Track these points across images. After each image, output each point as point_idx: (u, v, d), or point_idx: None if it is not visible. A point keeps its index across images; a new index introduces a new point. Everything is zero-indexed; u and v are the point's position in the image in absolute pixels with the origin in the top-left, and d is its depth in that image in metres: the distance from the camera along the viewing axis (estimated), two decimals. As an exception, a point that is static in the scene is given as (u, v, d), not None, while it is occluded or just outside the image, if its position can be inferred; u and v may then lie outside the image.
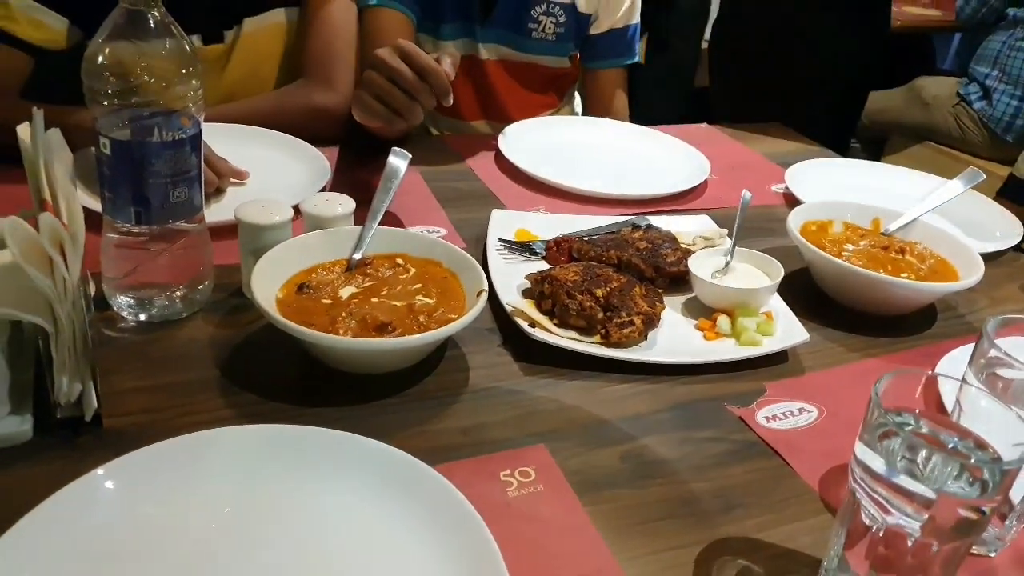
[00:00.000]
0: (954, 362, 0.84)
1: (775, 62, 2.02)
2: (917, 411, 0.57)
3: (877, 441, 0.54)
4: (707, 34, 2.43)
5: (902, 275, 0.94)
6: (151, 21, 0.68)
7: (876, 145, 3.04)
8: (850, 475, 0.56)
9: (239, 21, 1.28)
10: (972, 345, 0.87)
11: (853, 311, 0.95)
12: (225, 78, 1.29)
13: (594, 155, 1.37)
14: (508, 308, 0.85)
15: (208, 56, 1.27)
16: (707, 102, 2.22)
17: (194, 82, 0.71)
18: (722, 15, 2.24)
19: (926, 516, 0.51)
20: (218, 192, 1.05)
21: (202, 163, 0.76)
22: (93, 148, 0.72)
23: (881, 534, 0.54)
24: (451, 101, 0.99)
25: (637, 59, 1.61)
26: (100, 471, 0.57)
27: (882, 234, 1.05)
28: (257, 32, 1.30)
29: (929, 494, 0.51)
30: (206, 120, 0.76)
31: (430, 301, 0.80)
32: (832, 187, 1.30)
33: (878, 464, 0.53)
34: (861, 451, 0.55)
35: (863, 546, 0.56)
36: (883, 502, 0.53)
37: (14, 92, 1.15)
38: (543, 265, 0.96)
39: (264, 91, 1.31)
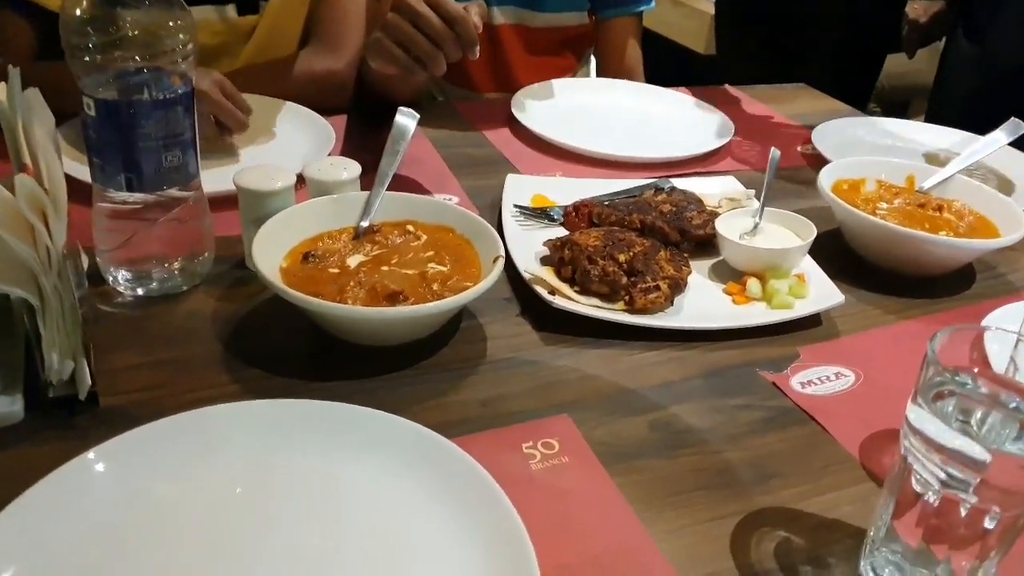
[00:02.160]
0: (997, 322, 0.79)
1: (787, 25, 1.93)
2: (975, 371, 0.52)
3: (931, 402, 0.50)
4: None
5: (940, 233, 0.89)
6: (134, -32, 0.64)
7: (898, 109, 2.95)
8: (901, 439, 0.52)
9: None
10: (1018, 304, 0.83)
11: (887, 272, 0.90)
12: (248, 49, 1.24)
13: (611, 118, 1.32)
14: (526, 276, 0.80)
15: (240, 27, 1.22)
16: (711, 69, 2.14)
17: (182, 36, 0.66)
18: None
19: (979, 479, 0.47)
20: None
21: (196, 126, 0.71)
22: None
23: (933, 502, 0.50)
24: (477, 54, 0.94)
25: (652, 5, 1.55)
26: (91, 454, 0.53)
27: (917, 192, 0.99)
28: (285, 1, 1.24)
29: (985, 455, 0.46)
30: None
31: (444, 269, 0.76)
32: (861, 147, 1.24)
33: (933, 426, 0.49)
34: (915, 414, 0.50)
35: (913, 515, 0.52)
36: (938, 467, 0.49)
37: (29, 57, 1.10)
38: (561, 231, 0.92)
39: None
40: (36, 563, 0.48)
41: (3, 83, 0.62)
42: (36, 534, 0.49)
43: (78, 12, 0.63)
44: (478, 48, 0.94)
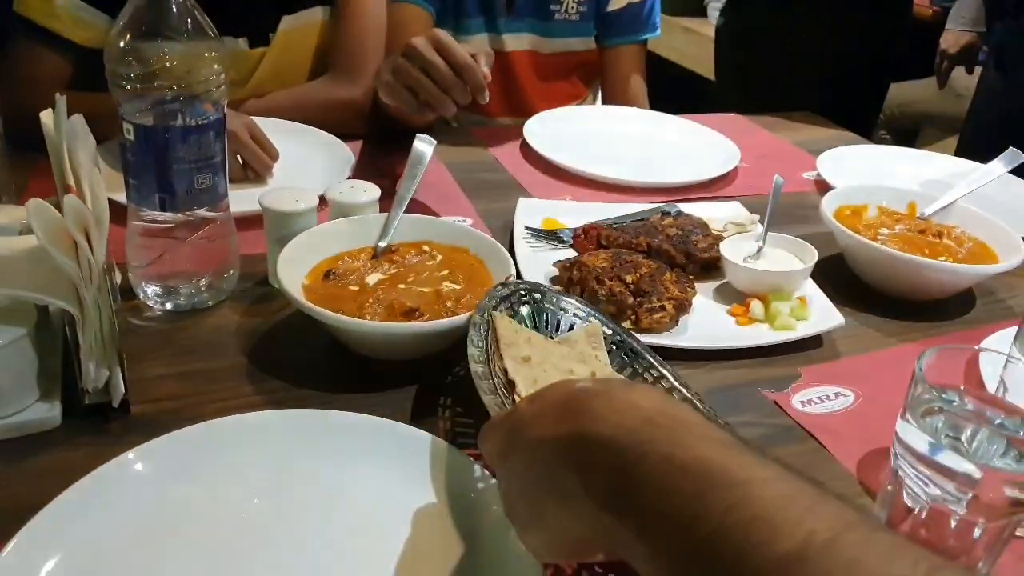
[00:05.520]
0: (993, 345, 0.81)
1: (788, 50, 1.90)
2: (962, 388, 0.55)
3: (920, 418, 0.52)
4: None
5: (940, 258, 0.92)
6: (173, 5, 0.68)
7: (908, 136, 2.97)
8: (892, 455, 0.54)
9: (279, 20, 1.27)
10: (1014, 329, 0.85)
11: (889, 297, 0.93)
12: (257, 76, 1.28)
13: (620, 144, 1.36)
14: (536, 295, 0.83)
15: (249, 58, 1.26)
16: (705, 93, 2.09)
17: (216, 67, 0.70)
18: None
19: (971, 494, 0.50)
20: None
21: (226, 150, 0.75)
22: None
23: (924, 515, 0.53)
24: (487, 98, 0.97)
25: (657, 33, 1.58)
26: (130, 454, 0.56)
27: (918, 218, 1.02)
28: (293, 31, 1.28)
29: (975, 471, 0.49)
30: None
31: (457, 287, 0.79)
32: (865, 174, 1.27)
33: (921, 442, 0.51)
34: (903, 429, 0.53)
35: (904, 528, 0.55)
36: (927, 481, 0.51)
37: (61, 89, 1.14)
38: (570, 253, 0.95)
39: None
40: (75, 555, 0.51)
41: (50, 110, 0.66)
42: (75, 529, 0.52)
43: (122, 44, 0.67)
44: (487, 93, 0.96)
